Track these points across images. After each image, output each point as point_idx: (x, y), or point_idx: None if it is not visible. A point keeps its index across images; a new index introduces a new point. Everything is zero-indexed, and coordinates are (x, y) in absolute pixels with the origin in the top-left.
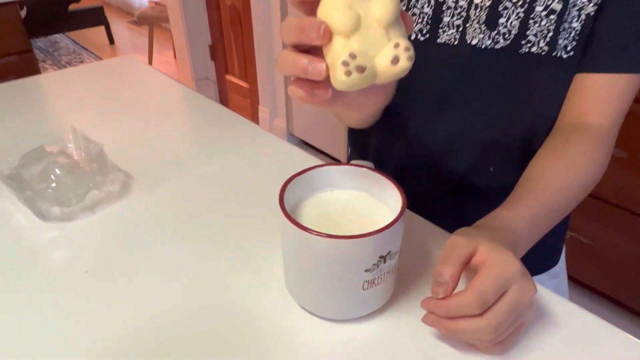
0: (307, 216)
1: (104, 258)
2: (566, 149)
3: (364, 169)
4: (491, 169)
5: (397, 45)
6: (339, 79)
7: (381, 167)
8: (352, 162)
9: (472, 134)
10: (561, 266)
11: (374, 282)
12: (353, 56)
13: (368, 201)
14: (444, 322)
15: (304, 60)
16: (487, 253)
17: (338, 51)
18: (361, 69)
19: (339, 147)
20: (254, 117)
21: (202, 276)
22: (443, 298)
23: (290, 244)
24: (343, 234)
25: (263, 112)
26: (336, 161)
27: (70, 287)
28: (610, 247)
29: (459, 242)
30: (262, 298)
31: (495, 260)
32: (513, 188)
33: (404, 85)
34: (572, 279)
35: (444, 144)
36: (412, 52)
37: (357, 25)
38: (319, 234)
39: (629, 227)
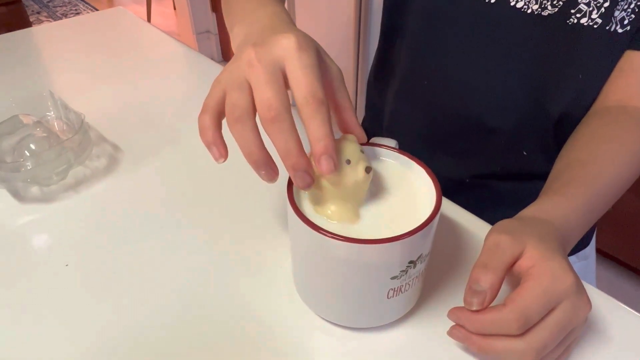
0: None
1: (90, 245)
2: (615, 132)
3: (389, 150)
4: (524, 152)
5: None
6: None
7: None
8: (373, 139)
9: (506, 107)
10: (592, 247)
11: (400, 290)
12: None
13: (395, 185)
14: (474, 339)
15: (262, 160)
16: (535, 259)
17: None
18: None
19: None
20: None
21: (201, 270)
22: (477, 310)
23: (300, 243)
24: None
25: None
26: None
27: (51, 280)
28: (631, 213)
29: (502, 242)
30: (267, 296)
31: (545, 270)
32: (543, 175)
33: (428, 42)
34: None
35: (475, 116)
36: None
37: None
38: (336, 236)
39: None
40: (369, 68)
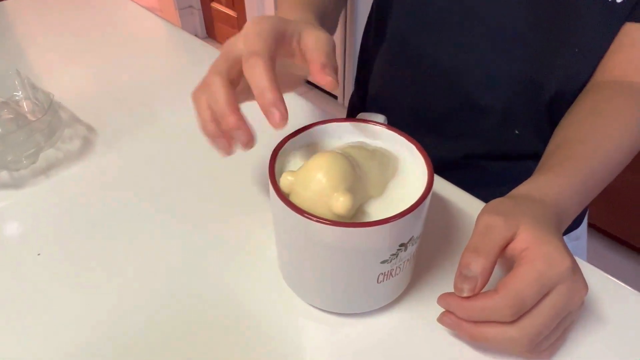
0: None
1: (63, 233)
2: (613, 108)
3: (378, 126)
4: (516, 132)
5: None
6: None
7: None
8: (361, 115)
9: (498, 84)
10: (583, 227)
11: (390, 274)
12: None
13: (384, 163)
14: (465, 326)
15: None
16: (529, 241)
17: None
18: None
19: None
20: None
21: (182, 259)
22: (468, 297)
23: (284, 228)
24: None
25: None
26: (333, 98)
27: (22, 270)
28: (621, 186)
29: (494, 224)
30: (253, 284)
31: (540, 252)
32: (536, 155)
33: (416, 18)
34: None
35: (465, 94)
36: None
37: None
38: (322, 220)
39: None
40: (358, 44)
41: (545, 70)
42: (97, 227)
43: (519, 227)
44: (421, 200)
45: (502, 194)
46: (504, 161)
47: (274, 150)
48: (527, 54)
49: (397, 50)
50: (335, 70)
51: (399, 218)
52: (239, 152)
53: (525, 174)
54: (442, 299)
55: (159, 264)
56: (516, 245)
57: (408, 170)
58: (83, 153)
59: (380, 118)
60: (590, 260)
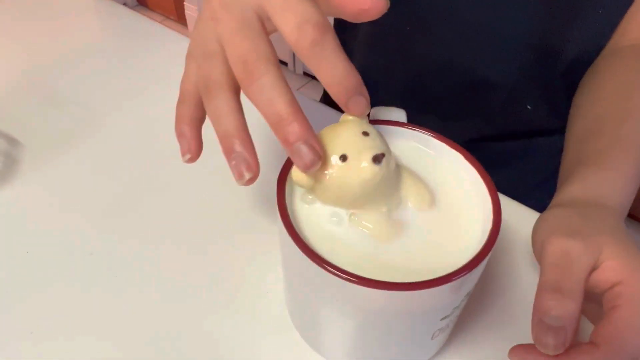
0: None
1: None
2: None
3: (409, 129)
4: (528, 107)
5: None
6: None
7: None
8: (375, 110)
9: (510, 55)
10: None
11: (447, 327)
12: None
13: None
14: None
15: (236, 144)
16: (621, 272)
17: None
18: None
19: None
20: (180, 17)
21: (144, 304)
22: (558, 354)
23: (307, 284)
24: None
25: (190, 9)
26: (283, 64)
27: None
28: None
29: (573, 251)
30: (253, 328)
31: None
32: (547, 131)
33: None
34: None
35: (470, 68)
36: None
37: None
38: (368, 282)
39: None
40: None
41: (565, 34)
42: (28, 267)
43: (602, 251)
44: (493, 238)
45: (507, 175)
46: (510, 141)
47: (282, 170)
48: (546, 17)
49: (383, 18)
50: None
51: (471, 269)
52: (209, 157)
53: (533, 153)
54: (517, 354)
55: (113, 313)
56: (603, 277)
57: (456, 186)
58: (5, 174)
59: (401, 114)
60: None
